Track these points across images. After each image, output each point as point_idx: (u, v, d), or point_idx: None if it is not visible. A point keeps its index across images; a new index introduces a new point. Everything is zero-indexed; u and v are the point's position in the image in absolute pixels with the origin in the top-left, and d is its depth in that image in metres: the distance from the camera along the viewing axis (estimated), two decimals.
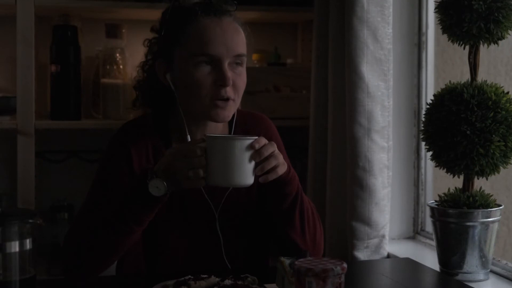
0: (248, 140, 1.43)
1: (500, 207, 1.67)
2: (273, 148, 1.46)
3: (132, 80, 1.92)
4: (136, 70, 1.73)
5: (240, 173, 1.42)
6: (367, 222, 1.95)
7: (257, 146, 1.42)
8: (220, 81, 1.55)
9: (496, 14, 1.62)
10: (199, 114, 1.60)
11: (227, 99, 1.56)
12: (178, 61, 1.59)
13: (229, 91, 1.56)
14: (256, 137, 1.44)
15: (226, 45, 1.56)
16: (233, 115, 1.68)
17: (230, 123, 1.72)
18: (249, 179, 1.44)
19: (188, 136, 1.60)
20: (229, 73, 1.56)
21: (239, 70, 1.59)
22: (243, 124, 1.71)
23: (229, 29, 1.58)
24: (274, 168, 1.46)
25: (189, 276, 1.40)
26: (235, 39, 1.58)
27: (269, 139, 1.49)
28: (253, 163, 1.43)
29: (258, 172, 1.44)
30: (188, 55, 1.57)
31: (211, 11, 1.59)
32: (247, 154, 1.42)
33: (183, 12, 1.59)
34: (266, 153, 1.43)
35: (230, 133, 1.71)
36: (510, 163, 1.66)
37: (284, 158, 1.52)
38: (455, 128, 1.63)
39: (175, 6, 1.61)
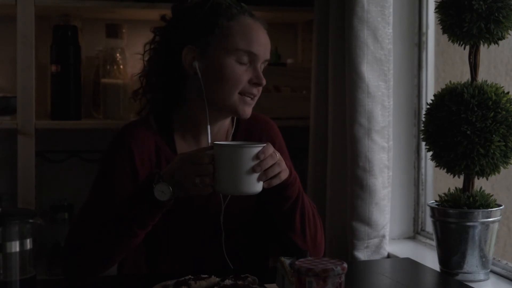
0: (256, 149, 1.42)
1: (500, 207, 1.67)
2: (276, 158, 1.46)
3: (132, 79, 1.89)
4: (143, 59, 1.70)
5: (248, 181, 1.42)
6: (367, 222, 1.95)
7: (262, 156, 1.42)
8: (256, 79, 1.61)
9: (496, 14, 1.62)
10: (224, 107, 1.61)
11: (253, 97, 1.61)
12: (214, 52, 1.59)
13: (259, 90, 1.63)
14: (264, 145, 1.44)
15: (265, 48, 1.63)
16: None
17: (232, 123, 1.72)
18: (257, 187, 1.44)
19: (208, 127, 1.61)
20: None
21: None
22: (247, 127, 1.71)
23: (265, 34, 1.65)
24: (278, 175, 1.47)
25: (189, 276, 1.40)
26: (269, 44, 1.65)
27: (272, 142, 1.51)
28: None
29: (262, 178, 1.44)
30: (230, 48, 1.58)
31: (252, 14, 1.64)
32: (255, 163, 1.42)
33: (228, 6, 1.61)
34: (271, 163, 1.44)
35: (233, 132, 1.71)
36: (510, 163, 1.66)
37: (286, 160, 1.52)
38: (455, 128, 1.63)
39: None
